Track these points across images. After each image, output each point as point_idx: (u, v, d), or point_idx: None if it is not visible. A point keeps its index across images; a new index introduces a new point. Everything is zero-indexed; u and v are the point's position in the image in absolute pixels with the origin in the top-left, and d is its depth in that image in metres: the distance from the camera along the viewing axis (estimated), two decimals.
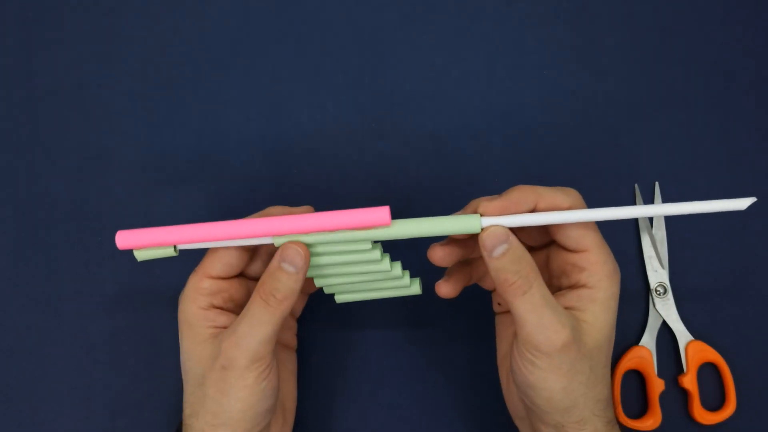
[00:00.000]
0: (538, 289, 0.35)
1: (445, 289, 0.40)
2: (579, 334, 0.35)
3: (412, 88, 0.49)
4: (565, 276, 0.38)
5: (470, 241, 0.39)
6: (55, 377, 0.46)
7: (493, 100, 0.49)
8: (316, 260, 0.38)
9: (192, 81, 0.49)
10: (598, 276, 0.37)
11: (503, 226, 0.36)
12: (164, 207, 0.47)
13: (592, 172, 0.48)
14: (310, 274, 0.39)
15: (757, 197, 0.48)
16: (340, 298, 0.41)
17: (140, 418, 0.46)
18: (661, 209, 0.36)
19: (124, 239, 0.37)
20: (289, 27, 0.50)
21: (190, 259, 0.47)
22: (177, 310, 0.39)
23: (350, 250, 0.38)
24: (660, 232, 0.47)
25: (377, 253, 0.38)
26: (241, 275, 0.40)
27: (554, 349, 0.35)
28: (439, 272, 0.41)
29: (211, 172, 0.48)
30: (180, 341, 0.39)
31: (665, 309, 0.47)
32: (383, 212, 0.36)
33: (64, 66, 0.49)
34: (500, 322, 0.42)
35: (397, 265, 0.40)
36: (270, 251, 0.40)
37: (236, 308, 0.39)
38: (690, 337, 0.46)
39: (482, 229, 0.36)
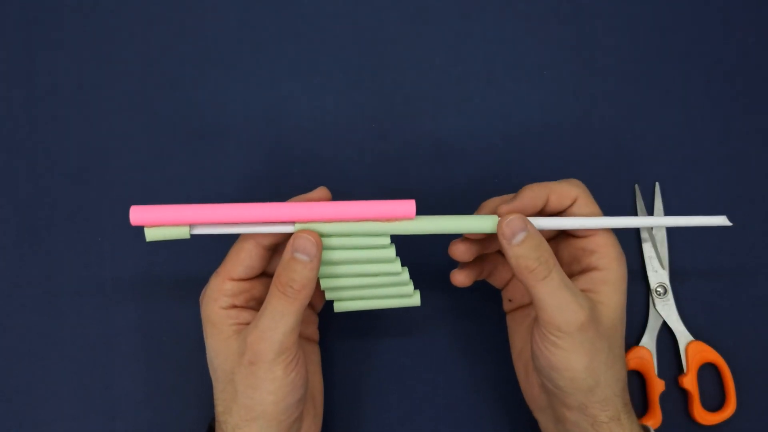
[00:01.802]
0: (557, 273, 0.36)
1: (460, 277, 0.42)
2: (596, 315, 0.37)
3: (412, 88, 0.49)
4: (576, 262, 0.40)
5: (487, 239, 0.41)
6: (55, 377, 0.46)
7: (493, 100, 0.49)
8: (328, 255, 0.38)
9: (192, 81, 0.49)
10: (607, 258, 0.38)
11: (521, 215, 0.37)
12: None
13: (592, 172, 0.48)
14: (320, 271, 0.38)
15: (756, 197, 0.48)
16: (339, 306, 0.41)
17: (140, 419, 0.46)
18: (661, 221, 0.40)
19: (138, 215, 0.36)
20: (289, 27, 0.50)
21: (195, 262, 0.47)
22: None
23: (367, 245, 0.38)
24: (660, 232, 0.47)
25: (392, 252, 0.38)
26: (263, 274, 0.40)
27: (575, 328, 0.36)
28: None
29: (210, 172, 0.48)
30: (205, 340, 0.39)
31: (665, 309, 0.47)
32: (409, 205, 0.37)
33: (64, 66, 0.49)
34: (512, 320, 0.43)
35: (406, 271, 0.40)
36: None
37: (258, 306, 0.40)
38: (690, 337, 0.46)
39: (500, 219, 0.37)
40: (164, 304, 0.47)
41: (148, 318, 0.47)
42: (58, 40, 0.49)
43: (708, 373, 0.47)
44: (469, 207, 0.47)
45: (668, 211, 0.48)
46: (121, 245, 0.47)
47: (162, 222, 0.36)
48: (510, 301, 0.43)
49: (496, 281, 0.44)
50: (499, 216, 0.38)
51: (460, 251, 0.40)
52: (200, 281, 0.40)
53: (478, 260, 0.42)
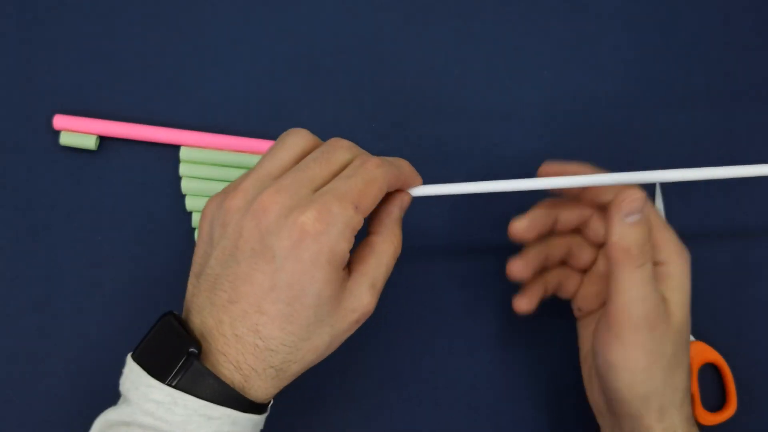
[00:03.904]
0: (650, 266, 0.35)
1: (524, 304, 0.40)
2: (665, 315, 0.36)
3: (412, 88, 0.49)
4: None
5: (547, 244, 0.40)
6: (55, 377, 0.46)
7: (493, 100, 0.49)
8: None
9: (191, 81, 0.49)
10: (668, 251, 0.37)
11: (646, 197, 0.36)
12: (164, 207, 0.47)
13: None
14: None
15: (756, 197, 0.48)
16: None
17: None
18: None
19: (60, 121, 0.46)
20: (289, 27, 0.50)
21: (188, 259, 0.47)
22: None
23: None
24: None
25: None
26: None
27: (645, 324, 0.35)
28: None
29: None
30: (307, 286, 0.32)
31: None
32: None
33: (64, 66, 0.49)
34: (582, 326, 0.42)
35: None
36: None
37: None
38: (690, 337, 0.46)
39: (622, 190, 0.36)
40: (164, 304, 0.47)
41: (148, 318, 0.47)
42: (58, 40, 0.49)
43: (708, 373, 0.47)
44: (469, 207, 0.47)
45: (668, 211, 0.48)
46: (121, 245, 0.47)
47: (75, 129, 0.46)
48: (579, 310, 0.42)
49: (564, 293, 0.42)
50: (540, 175, 0.37)
51: (518, 268, 0.39)
52: None
53: (539, 277, 0.41)
